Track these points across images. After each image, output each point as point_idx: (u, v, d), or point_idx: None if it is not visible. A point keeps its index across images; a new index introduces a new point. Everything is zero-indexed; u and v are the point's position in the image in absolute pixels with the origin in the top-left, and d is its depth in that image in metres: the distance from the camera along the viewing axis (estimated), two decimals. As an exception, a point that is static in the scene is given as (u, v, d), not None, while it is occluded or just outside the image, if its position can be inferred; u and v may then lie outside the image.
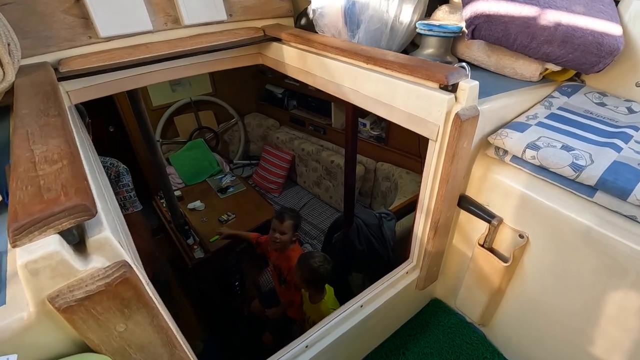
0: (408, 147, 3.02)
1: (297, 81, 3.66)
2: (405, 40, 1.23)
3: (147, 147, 2.71)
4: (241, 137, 4.44)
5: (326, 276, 1.91)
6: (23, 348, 0.40)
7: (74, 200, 0.42)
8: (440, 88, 0.83)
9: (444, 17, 1.24)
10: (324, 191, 3.77)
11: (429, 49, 1.17)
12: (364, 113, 3.15)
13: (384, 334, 1.16)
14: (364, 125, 3.24)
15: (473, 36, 1.05)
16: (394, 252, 2.50)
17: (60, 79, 0.98)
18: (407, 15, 1.15)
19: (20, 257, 0.38)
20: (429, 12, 1.29)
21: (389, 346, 1.12)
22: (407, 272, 1.08)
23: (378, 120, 3.23)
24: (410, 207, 2.68)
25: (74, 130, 0.65)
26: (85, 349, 0.45)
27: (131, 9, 1.08)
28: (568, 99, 1.08)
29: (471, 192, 1.02)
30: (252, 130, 4.44)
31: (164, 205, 3.35)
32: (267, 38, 1.33)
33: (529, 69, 1.09)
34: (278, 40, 1.31)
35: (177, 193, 3.53)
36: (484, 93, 0.96)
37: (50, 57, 1.02)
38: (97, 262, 0.43)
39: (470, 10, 1.01)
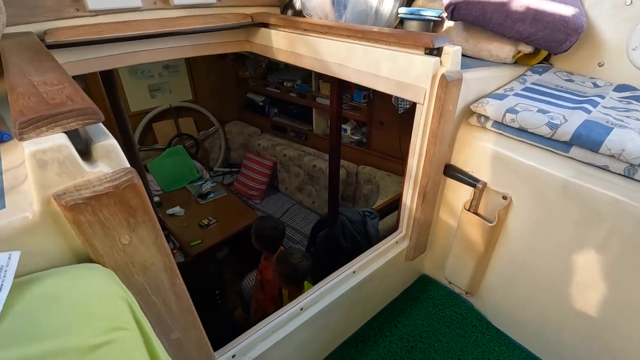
0: (389, 150, 3.09)
1: (278, 88, 3.72)
2: (388, 24, 1.29)
3: (126, 152, 2.64)
4: (222, 144, 4.40)
5: (306, 272, 1.91)
6: (24, 251, 0.38)
7: (81, 104, 0.42)
8: (426, 54, 0.88)
9: (424, 4, 1.32)
10: (307, 196, 3.77)
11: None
12: (345, 118, 3.22)
13: (376, 307, 1.16)
14: (345, 130, 3.30)
15: (452, 16, 1.12)
16: (377, 249, 2.51)
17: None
18: (388, 3, 1.22)
19: (28, 147, 0.37)
20: (409, 1, 1.37)
21: (380, 319, 1.12)
22: (396, 242, 1.10)
23: (359, 126, 3.31)
24: (393, 206, 2.72)
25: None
26: (86, 261, 0.43)
27: (121, -15, 1.09)
28: (540, 77, 1.16)
29: (456, 161, 1.06)
30: (232, 138, 4.42)
31: (142, 211, 3.25)
32: (256, 24, 1.36)
33: (504, 50, 1.17)
34: (266, 26, 1.35)
35: (156, 199, 3.44)
36: (464, 67, 1.02)
37: (35, 27, 1.01)
38: (104, 168, 0.43)
39: (449, -9, 1.08)
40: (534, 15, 1.03)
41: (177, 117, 4.00)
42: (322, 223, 2.74)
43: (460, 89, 0.89)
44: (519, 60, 1.24)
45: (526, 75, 1.18)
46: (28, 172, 0.38)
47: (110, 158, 0.44)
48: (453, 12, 1.10)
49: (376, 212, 2.71)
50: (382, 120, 2.97)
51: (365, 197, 3.38)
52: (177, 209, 3.33)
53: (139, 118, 3.79)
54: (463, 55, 1.27)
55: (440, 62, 0.86)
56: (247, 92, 4.24)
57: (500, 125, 0.96)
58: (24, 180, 0.45)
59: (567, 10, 1.04)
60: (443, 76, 0.84)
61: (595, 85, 1.11)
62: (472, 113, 1.01)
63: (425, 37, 0.86)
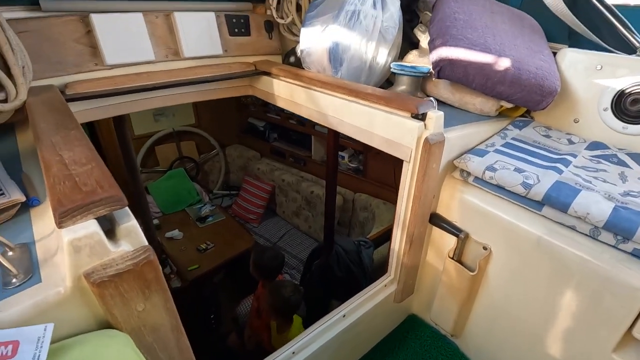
0: (384, 179, 3.18)
1: (279, 115, 3.84)
2: (381, 77, 1.40)
3: (129, 175, 2.73)
4: (222, 167, 4.49)
5: (295, 306, 1.97)
6: (55, 321, 0.45)
7: (109, 192, 0.50)
8: (412, 117, 0.97)
9: (414, 60, 1.43)
10: (303, 221, 3.83)
11: (402, 86, 1.34)
12: (343, 146, 3.32)
13: (365, 347, 1.21)
14: (343, 157, 3.40)
15: (439, 76, 1.22)
16: (372, 278, 2.57)
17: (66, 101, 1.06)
18: (383, 56, 1.32)
19: (66, 235, 0.45)
20: (401, 55, 1.48)
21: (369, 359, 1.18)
22: (385, 285, 1.16)
23: (356, 153, 3.40)
24: (387, 235, 2.78)
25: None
26: (106, 326, 0.50)
27: (137, 41, 1.20)
28: (520, 131, 1.26)
29: (441, 210, 1.14)
30: (232, 161, 4.52)
31: (141, 233, 3.30)
32: (258, 72, 1.46)
33: (487, 105, 1.27)
34: (268, 74, 1.45)
35: (155, 222, 3.49)
36: (449, 125, 1.11)
37: (57, 81, 1.10)
38: (125, 246, 0.50)
39: (436, 55, 1.19)
40: (512, 80, 1.13)
41: (179, 141, 4.11)
42: (317, 252, 2.80)
43: (442, 149, 0.98)
44: (503, 112, 1.34)
45: (507, 129, 1.27)
46: (65, 255, 0.45)
47: (131, 237, 0.51)
48: (439, 72, 1.20)
49: (371, 242, 2.78)
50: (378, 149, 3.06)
51: (361, 224, 3.44)
52: (175, 233, 3.38)
53: (143, 141, 3.89)
54: (450, 106, 1.38)
55: (425, 125, 0.95)
56: (248, 117, 4.36)
57: (480, 181, 1.04)
58: (55, 252, 0.53)
59: (542, 76, 1.15)
60: (426, 139, 0.93)
61: (570, 142, 1.21)
62: (456, 167, 1.09)
63: (410, 102, 0.96)
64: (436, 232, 1.17)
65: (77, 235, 0.45)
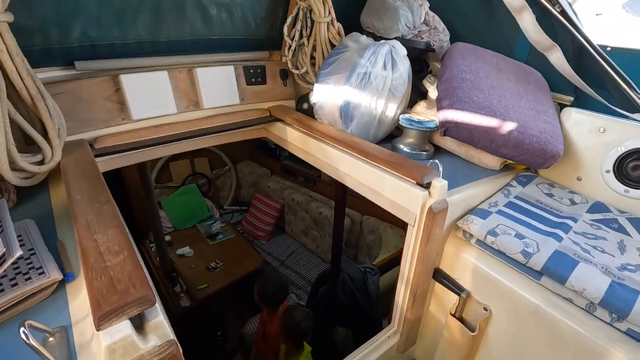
0: (392, 204, 3.21)
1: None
2: (390, 128, 1.46)
3: (144, 192, 2.84)
4: (233, 183, 4.59)
5: (306, 332, 2.01)
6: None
7: (141, 292, 0.56)
8: (417, 184, 1.03)
9: (422, 111, 1.49)
10: (311, 240, 3.88)
11: (410, 139, 1.39)
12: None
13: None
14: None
15: (445, 134, 1.27)
16: (377, 306, 2.61)
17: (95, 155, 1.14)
18: (392, 110, 1.38)
19: (104, 339, 0.51)
20: (410, 104, 1.54)
21: (371, 407, 1.22)
22: (388, 337, 1.21)
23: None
24: (394, 261, 2.82)
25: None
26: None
27: (161, 96, 1.28)
28: (523, 189, 1.30)
29: (444, 266, 1.19)
30: (244, 177, 4.61)
31: (153, 249, 3.40)
32: (273, 119, 1.54)
33: (492, 160, 1.32)
34: (282, 121, 1.52)
35: (167, 238, 3.58)
36: (454, 182, 1.16)
37: (87, 135, 1.19)
38: (153, 341, 0.57)
39: (442, 116, 1.24)
40: (515, 144, 1.18)
41: (192, 157, 4.22)
42: (324, 277, 2.85)
43: (446, 216, 1.02)
44: (508, 165, 1.38)
45: (511, 185, 1.31)
46: (102, 357, 0.52)
47: (158, 331, 0.58)
48: (445, 132, 1.25)
49: (377, 269, 2.81)
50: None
51: (368, 247, 3.48)
52: (186, 250, 3.47)
53: (158, 157, 4.01)
54: (456, 157, 1.43)
55: (429, 193, 1.01)
56: (261, 135, 4.45)
57: (482, 243, 1.09)
58: (90, 339, 0.59)
59: (545, 140, 1.19)
60: (430, 208, 0.98)
61: (572, 203, 1.24)
62: (459, 227, 1.14)
63: (416, 171, 1.01)
64: (439, 286, 1.21)
65: (114, 339, 0.51)
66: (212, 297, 2.99)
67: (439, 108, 1.27)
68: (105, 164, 1.23)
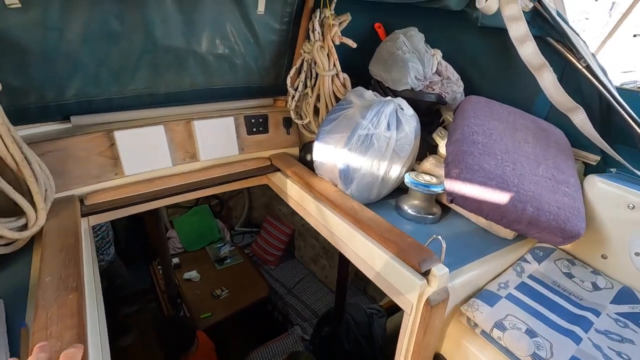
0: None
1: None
2: (395, 185, 1.37)
3: (153, 219, 2.85)
4: (245, 204, 4.57)
5: None
6: None
7: None
8: (415, 270, 0.93)
9: (430, 168, 1.39)
10: (320, 269, 3.79)
11: (415, 200, 1.30)
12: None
13: None
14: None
15: (452, 202, 1.17)
16: (382, 352, 2.47)
17: (84, 214, 1.11)
18: (396, 170, 1.30)
19: None
20: (419, 157, 1.45)
21: None
22: None
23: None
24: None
25: (85, 289, 0.76)
26: None
27: (156, 151, 1.25)
28: (539, 266, 1.17)
29: (446, 352, 1.08)
30: (256, 198, 4.59)
31: (160, 272, 3.40)
32: (274, 168, 1.48)
33: (504, 230, 1.21)
34: (283, 171, 1.46)
35: (176, 260, 3.59)
36: (459, 258, 1.06)
37: (78, 191, 1.16)
38: None
39: (449, 185, 1.14)
40: (530, 221, 1.07)
41: (206, 178, 4.24)
42: (328, 316, 2.74)
43: (447, 306, 0.92)
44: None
45: (525, 260, 1.19)
46: None
47: None
48: (452, 200, 1.15)
49: (384, 310, 2.68)
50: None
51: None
52: (193, 274, 3.45)
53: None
54: (465, 219, 1.32)
55: (427, 281, 0.91)
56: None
57: (488, 336, 0.97)
58: None
59: (564, 218, 1.07)
60: (428, 300, 0.88)
61: (595, 287, 1.11)
62: (463, 313, 1.03)
63: (414, 255, 0.92)
64: (440, 371, 1.10)
65: None
66: (214, 327, 2.94)
67: (447, 174, 1.17)
68: (96, 218, 1.20)
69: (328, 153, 1.26)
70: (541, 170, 1.19)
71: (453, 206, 1.31)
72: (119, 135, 1.16)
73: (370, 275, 1.06)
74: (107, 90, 1.17)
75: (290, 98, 1.46)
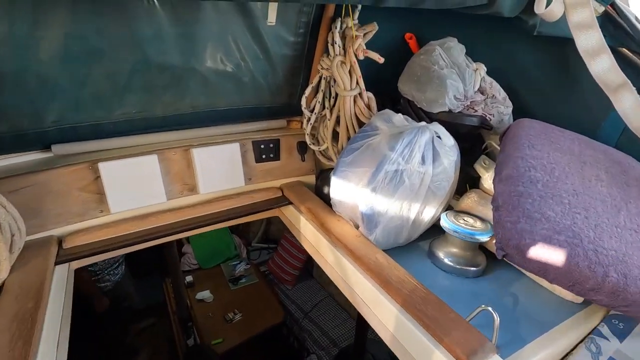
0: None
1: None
2: (428, 227, 1.14)
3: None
4: (263, 219, 4.41)
5: None
6: None
7: None
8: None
9: (473, 207, 1.15)
10: (339, 292, 3.54)
11: (454, 248, 1.06)
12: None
13: None
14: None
15: (504, 258, 0.93)
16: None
17: (60, 261, 0.95)
18: (431, 211, 1.07)
19: None
20: (458, 190, 1.21)
21: None
22: None
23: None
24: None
25: None
26: None
27: (148, 184, 1.08)
28: (620, 344, 0.90)
29: None
30: (274, 213, 4.41)
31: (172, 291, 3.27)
32: (285, 201, 1.28)
33: (570, 293, 0.95)
34: (295, 205, 1.26)
35: (189, 279, 3.46)
36: (514, 338, 0.82)
37: (57, 231, 1.01)
38: None
39: (501, 237, 0.90)
40: (613, 290, 0.81)
41: (224, 192, 4.12)
42: (347, 354, 2.51)
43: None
44: (592, 292, 0.99)
45: (601, 334, 0.92)
46: None
47: None
48: (505, 257, 0.91)
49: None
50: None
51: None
52: (206, 294, 3.30)
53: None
54: (518, 272, 1.07)
55: (478, 378, 0.68)
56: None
57: None
58: None
59: (661, 288, 0.81)
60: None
61: (703, 381, 0.83)
62: (521, 411, 0.78)
63: (460, 342, 0.69)
64: None
65: None
66: (226, 355, 2.76)
67: (498, 222, 0.93)
68: (77, 263, 1.03)
69: (348, 190, 1.04)
70: (622, 219, 0.93)
71: (502, 257, 1.06)
72: (104, 167, 1.00)
73: (399, 354, 0.83)
74: (92, 115, 1.01)
75: (305, 120, 1.26)
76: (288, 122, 1.39)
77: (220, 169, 1.18)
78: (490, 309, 0.79)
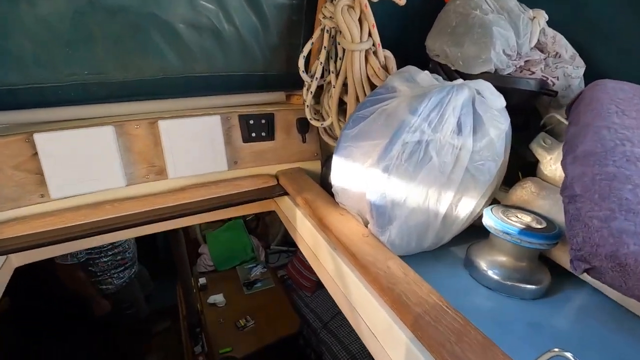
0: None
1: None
2: (463, 227, 0.84)
3: (172, 239, 2.60)
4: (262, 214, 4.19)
5: None
6: None
7: None
8: None
9: (528, 200, 0.83)
10: (362, 302, 3.23)
11: (503, 256, 0.75)
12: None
13: None
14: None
15: (585, 273, 0.61)
16: None
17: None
18: (469, 204, 0.77)
19: None
20: (506, 181, 0.89)
21: None
22: None
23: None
24: None
25: None
26: None
27: (101, 164, 0.86)
28: None
29: None
30: (295, 215, 4.19)
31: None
32: (281, 191, 1.02)
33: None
34: (291, 196, 1.00)
35: (202, 281, 3.29)
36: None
37: (-13, 219, 0.81)
38: None
39: (582, 237, 0.59)
40: None
41: (242, 190, 3.95)
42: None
43: None
44: None
45: None
46: None
47: None
48: (587, 272, 0.60)
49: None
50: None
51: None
52: (219, 298, 3.10)
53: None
54: (593, 289, 0.74)
55: None
56: (316, 170, 4.02)
57: None
58: None
59: None
60: None
61: None
62: None
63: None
64: None
65: None
66: (233, 368, 2.53)
67: (574, 219, 0.62)
68: (21, 257, 0.83)
69: (353, 172, 0.77)
70: None
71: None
72: (41, 139, 0.79)
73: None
74: (32, 75, 0.81)
75: (305, 89, 1.00)
76: (288, 97, 1.13)
77: (195, 149, 0.94)
78: (569, 355, 0.48)
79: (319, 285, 3.57)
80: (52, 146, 0.80)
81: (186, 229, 3.74)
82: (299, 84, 1.07)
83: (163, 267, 3.42)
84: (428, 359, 0.50)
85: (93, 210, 0.85)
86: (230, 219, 3.89)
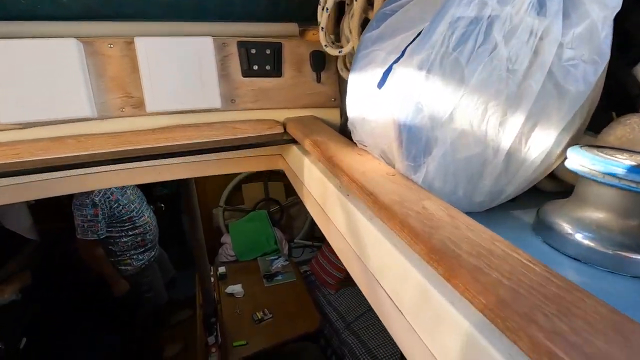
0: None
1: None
2: (533, 178, 0.59)
3: (190, 224, 2.49)
4: (308, 214, 4.00)
5: None
6: None
7: None
8: None
9: (626, 141, 0.57)
10: (390, 303, 2.96)
11: (602, 211, 0.50)
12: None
13: None
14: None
15: None
16: None
17: None
18: (546, 136, 0.52)
19: None
20: (593, 125, 0.63)
21: None
22: None
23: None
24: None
25: None
26: None
27: (61, 86, 0.69)
28: None
29: None
30: (321, 208, 3.99)
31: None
32: (287, 140, 0.82)
33: None
34: (298, 144, 0.79)
35: (222, 270, 3.17)
36: None
37: None
38: None
39: None
40: None
41: (267, 181, 3.80)
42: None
43: None
44: None
45: None
46: None
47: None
48: None
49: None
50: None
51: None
52: (237, 289, 2.96)
53: (231, 177, 3.72)
54: None
55: None
56: (345, 161, 3.80)
57: None
58: None
59: None
60: None
61: None
62: None
63: None
64: None
65: None
66: (248, 360, 2.36)
67: None
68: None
69: (374, 91, 0.54)
70: None
71: None
72: (-12, 48, 0.64)
73: None
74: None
75: (320, 8, 0.79)
76: (302, 32, 0.93)
77: (181, 77, 0.76)
78: None
79: (343, 283, 3.34)
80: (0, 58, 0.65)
81: (209, 217, 3.66)
82: (316, 16, 0.87)
83: (190, 255, 3.35)
84: (506, 346, 0.27)
85: (54, 144, 0.69)
86: (254, 209, 3.76)
